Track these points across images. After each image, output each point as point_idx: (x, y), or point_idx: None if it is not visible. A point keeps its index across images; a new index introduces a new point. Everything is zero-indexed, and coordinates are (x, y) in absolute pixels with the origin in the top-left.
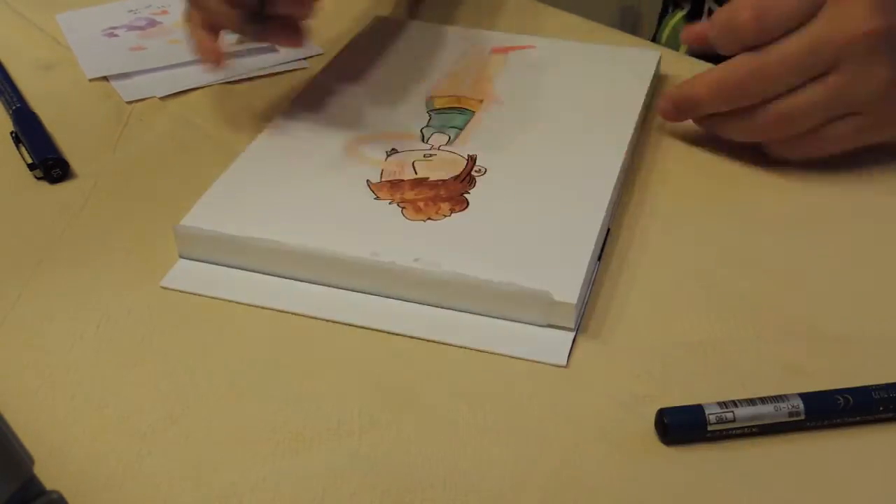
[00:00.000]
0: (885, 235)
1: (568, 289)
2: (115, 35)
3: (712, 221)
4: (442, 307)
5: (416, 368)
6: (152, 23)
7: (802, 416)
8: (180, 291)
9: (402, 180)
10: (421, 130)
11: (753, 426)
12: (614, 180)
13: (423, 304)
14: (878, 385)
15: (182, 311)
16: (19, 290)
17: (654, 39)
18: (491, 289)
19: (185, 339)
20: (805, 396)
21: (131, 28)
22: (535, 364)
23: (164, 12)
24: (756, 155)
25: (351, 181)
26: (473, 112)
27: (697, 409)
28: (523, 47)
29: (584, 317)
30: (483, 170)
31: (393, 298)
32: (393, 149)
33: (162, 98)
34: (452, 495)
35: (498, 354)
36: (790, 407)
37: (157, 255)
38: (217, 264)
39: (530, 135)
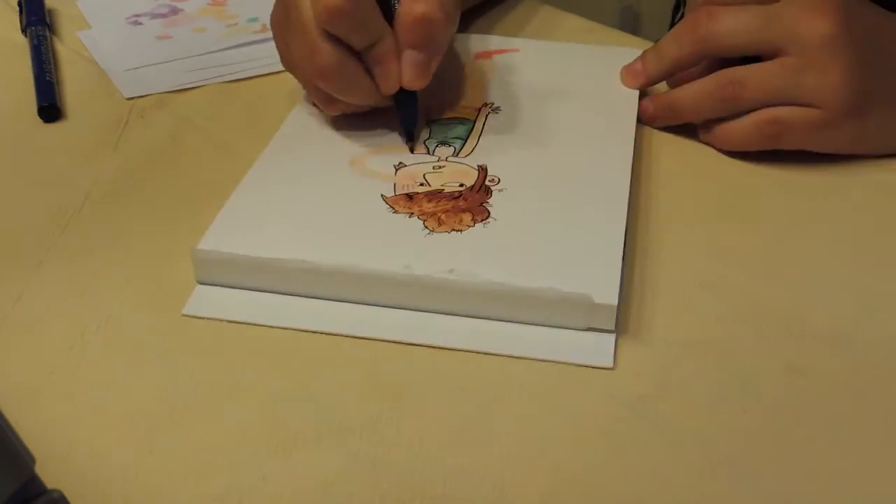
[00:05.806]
0: (885, 235)
1: (606, 290)
2: (140, 23)
3: (712, 221)
4: (478, 317)
5: (417, 369)
6: (174, 10)
7: None
8: (204, 318)
9: (418, 193)
10: (424, 143)
11: None
12: (629, 177)
13: (458, 316)
14: None
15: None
16: (19, 289)
17: None
18: (531, 296)
19: (185, 339)
20: None
21: (154, 16)
22: (552, 367)
23: None
24: (755, 154)
25: (364, 195)
26: (472, 120)
27: None
28: (506, 50)
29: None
30: (497, 179)
31: (425, 311)
32: (400, 162)
33: (167, 92)
34: (452, 495)
35: (540, 360)
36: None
37: (157, 253)
38: (238, 287)
39: (535, 139)
